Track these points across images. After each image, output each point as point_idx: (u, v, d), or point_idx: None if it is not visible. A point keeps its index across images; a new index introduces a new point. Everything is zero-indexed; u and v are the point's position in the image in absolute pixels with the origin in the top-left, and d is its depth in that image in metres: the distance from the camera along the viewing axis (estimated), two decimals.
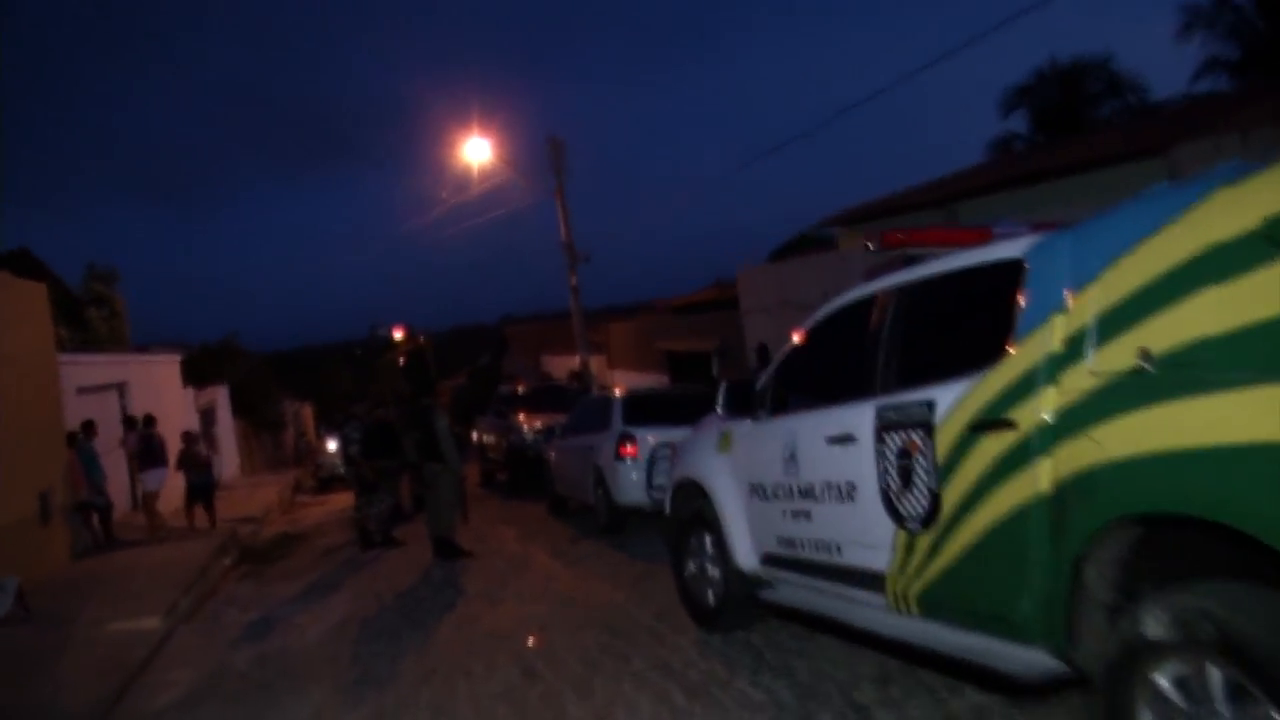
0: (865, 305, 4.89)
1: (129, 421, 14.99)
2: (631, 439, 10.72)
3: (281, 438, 41.51)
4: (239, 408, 31.56)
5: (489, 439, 18.66)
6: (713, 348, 18.89)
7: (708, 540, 6.25)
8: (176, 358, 21.88)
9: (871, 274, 5.09)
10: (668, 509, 6.98)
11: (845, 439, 4.67)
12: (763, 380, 5.80)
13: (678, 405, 11.52)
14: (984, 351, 3.86)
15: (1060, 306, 3.53)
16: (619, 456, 10.70)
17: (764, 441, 5.56)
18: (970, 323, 4.20)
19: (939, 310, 4.42)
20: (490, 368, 44.86)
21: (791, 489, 5.19)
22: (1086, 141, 17.55)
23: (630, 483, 10.64)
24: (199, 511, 15.16)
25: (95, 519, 13.94)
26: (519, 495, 16.42)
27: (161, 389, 19.90)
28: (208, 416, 26.25)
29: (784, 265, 16.42)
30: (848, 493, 4.67)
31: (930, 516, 4.04)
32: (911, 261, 4.86)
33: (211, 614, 9.66)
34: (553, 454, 13.63)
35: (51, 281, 18.45)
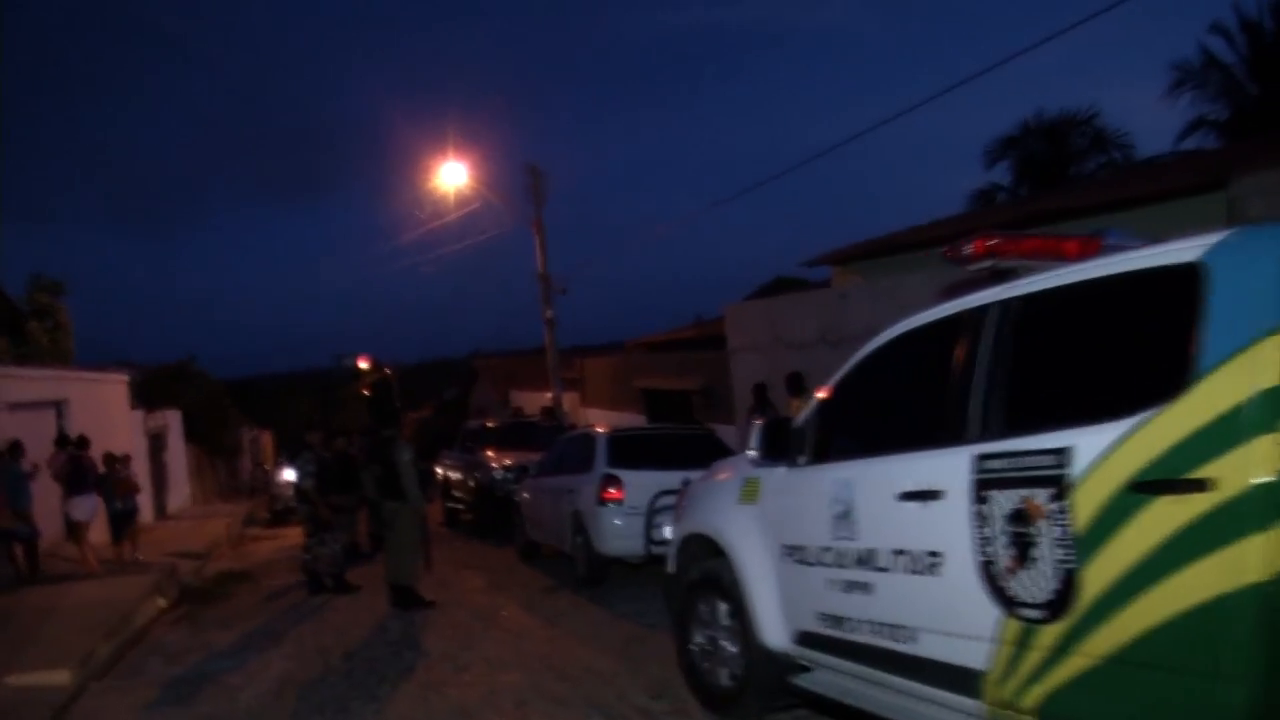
0: (949, 328, 3.91)
1: (60, 441, 13.66)
2: (617, 482, 9.66)
3: (238, 466, 39.95)
4: (193, 433, 30.11)
5: (455, 476, 17.50)
6: (696, 387, 17.89)
7: (722, 608, 5.21)
8: (123, 377, 20.56)
9: (952, 291, 4.10)
10: (671, 567, 5.93)
11: (926, 495, 3.67)
12: (801, 419, 4.80)
13: (666, 446, 10.53)
14: (1143, 386, 2.89)
15: (1274, 325, 2.57)
16: (602, 501, 9.64)
17: (805, 494, 4.54)
18: (1119, 348, 3.21)
19: (1069, 332, 3.43)
20: (458, 401, 43.60)
21: (843, 554, 4.17)
22: (1138, 175, 16.81)
23: (614, 530, 9.58)
24: (124, 544, 13.80)
25: (19, 550, 12.64)
26: (486, 537, 15.26)
27: (105, 409, 18.59)
28: (157, 441, 24.83)
29: (776, 301, 15.52)
30: (928, 564, 3.67)
31: (1061, 603, 3.04)
32: (1002, 277, 3.89)
33: (133, 666, 8.43)
34: (525, 495, 12.52)
35: None
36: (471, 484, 16.37)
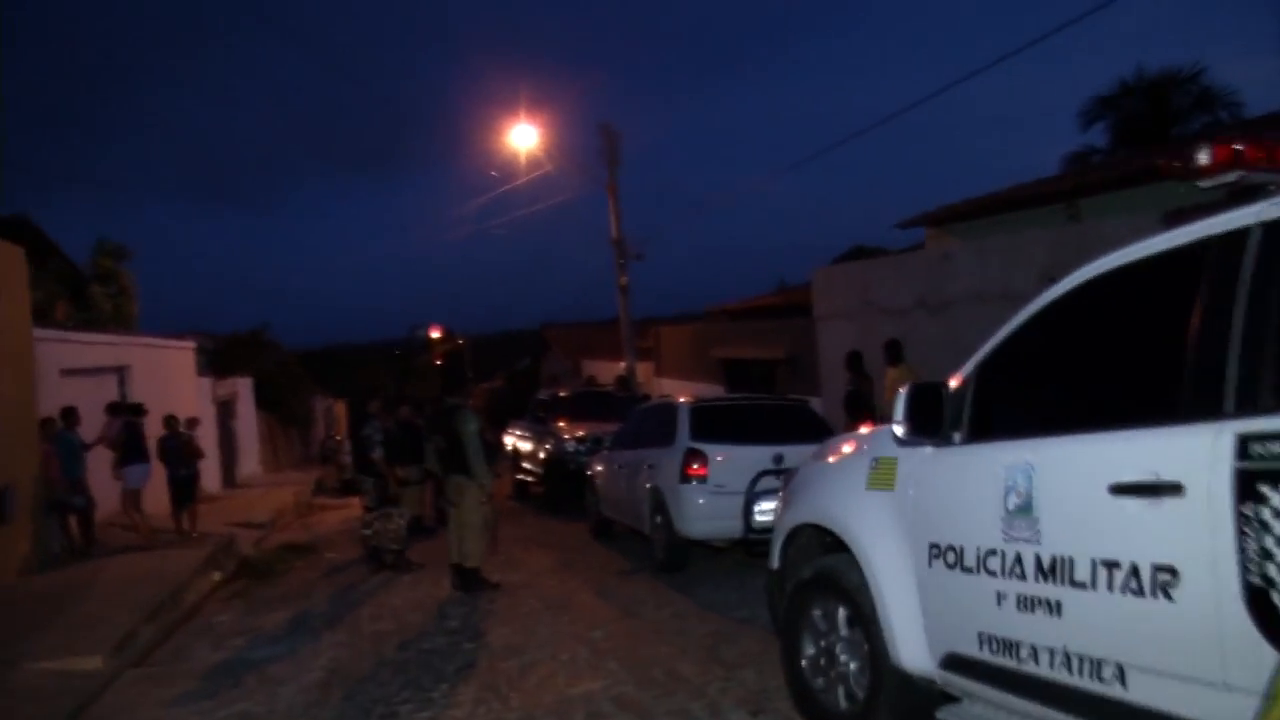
0: (1182, 262, 2.87)
1: (113, 407, 13.13)
2: (701, 457, 8.74)
3: (311, 435, 39.91)
4: (264, 401, 29.95)
5: (525, 447, 16.75)
6: (780, 356, 16.86)
7: (842, 615, 4.27)
8: (190, 344, 20.18)
9: (1181, 218, 3.05)
10: (775, 561, 5.00)
11: (1156, 489, 2.68)
12: (954, 387, 3.82)
13: (756, 418, 9.56)
14: None
15: None
16: (685, 478, 8.73)
17: (964, 481, 3.57)
18: None
19: None
20: (529, 371, 43.05)
21: (1020, 561, 3.19)
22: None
23: (697, 510, 8.67)
24: (183, 513, 13.25)
25: (73, 521, 12.18)
26: (556, 512, 14.49)
27: (170, 376, 18.20)
28: (226, 409, 24.59)
29: (869, 264, 14.42)
30: (1155, 582, 2.68)
31: None
32: (1248, 196, 2.85)
33: (175, 651, 7.79)
34: (599, 469, 11.67)
35: (52, 254, 16.82)
36: (542, 456, 15.60)
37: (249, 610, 9.24)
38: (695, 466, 8.71)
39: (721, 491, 8.68)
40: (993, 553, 3.32)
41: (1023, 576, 3.17)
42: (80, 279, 18.65)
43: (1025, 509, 3.17)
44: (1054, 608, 3.06)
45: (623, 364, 24.38)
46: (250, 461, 26.83)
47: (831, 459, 4.70)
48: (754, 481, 7.79)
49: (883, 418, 11.93)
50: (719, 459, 8.73)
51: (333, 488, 25.82)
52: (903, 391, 3.81)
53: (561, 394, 17.76)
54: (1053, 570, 3.05)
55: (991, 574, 3.32)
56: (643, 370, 24.90)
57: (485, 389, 53.35)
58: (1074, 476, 3.01)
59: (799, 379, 16.56)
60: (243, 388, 26.81)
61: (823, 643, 4.43)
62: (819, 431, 9.38)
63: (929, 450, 3.78)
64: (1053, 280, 3.52)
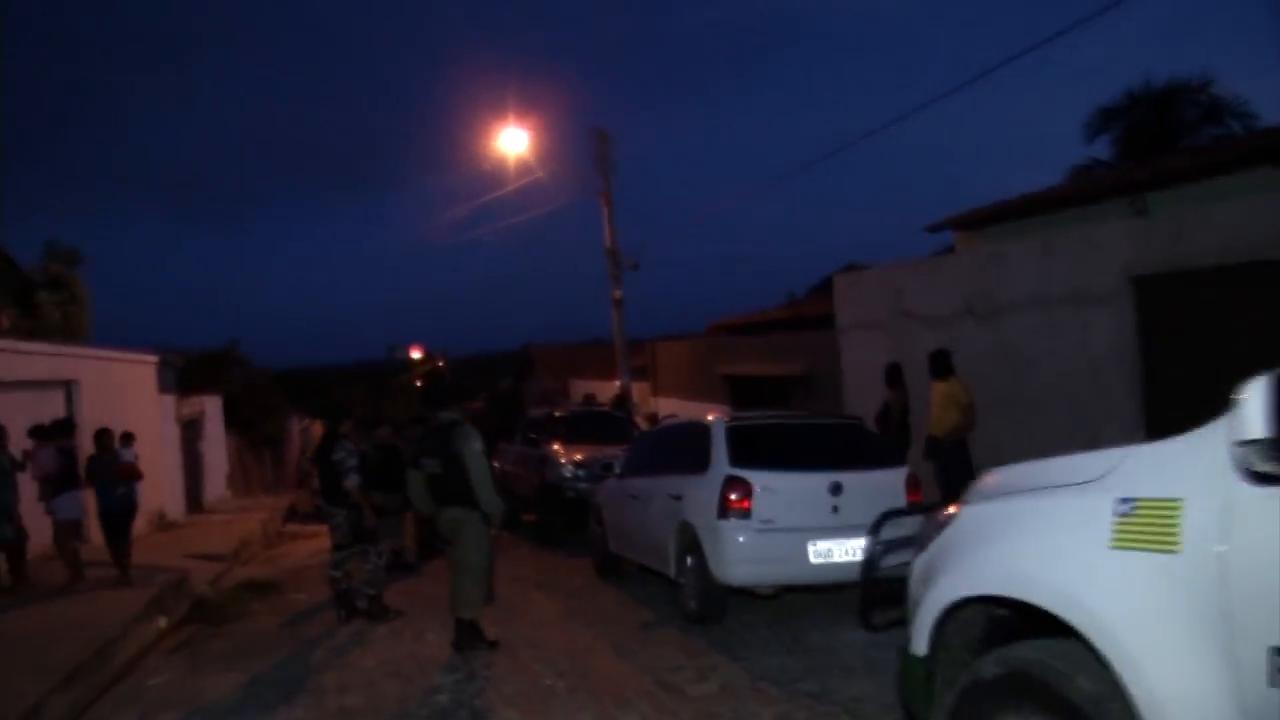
0: None
1: (38, 431, 11.19)
2: (744, 487, 7.22)
3: (285, 456, 38.09)
4: (234, 422, 28.24)
5: (514, 471, 15.18)
6: (797, 372, 15.38)
7: None
8: (152, 358, 18.48)
9: None
10: (921, 646, 3.46)
11: None
12: None
13: (807, 440, 8.06)
14: None
15: None
16: (725, 512, 7.20)
17: None
18: None
19: None
20: (512, 391, 41.34)
21: None
22: None
23: (741, 551, 7.14)
24: (120, 546, 10.93)
25: (1, 557, 10.54)
26: (551, 544, 12.94)
27: (126, 392, 16.50)
28: (192, 429, 22.86)
29: (904, 269, 12.97)
30: None
31: None
32: None
33: None
34: (606, 498, 10.12)
35: None
36: (536, 482, 14.03)
37: (193, 669, 7.63)
38: (737, 498, 7.18)
39: (770, 529, 7.17)
40: None
41: None
42: (28, 284, 16.98)
43: None
44: None
45: (616, 383, 22.88)
46: (218, 485, 25.09)
47: (1023, 499, 3.17)
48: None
49: (931, 439, 10.53)
50: (765, 489, 7.21)
51: (306, 513, 24.10)
52: (1257, 390, 2.28)
53: (557, 414, 16.18)
54: None
55: None
56: (638, 390, 23.38)
57: (467, 410, 51.83)
58: None
59: (816, 397, 15.08)
60: (210, 406, 25.09)
61: None
62: (880, 455, 7.89)
63: (1258, 493, 2.27)
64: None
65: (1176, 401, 9.06)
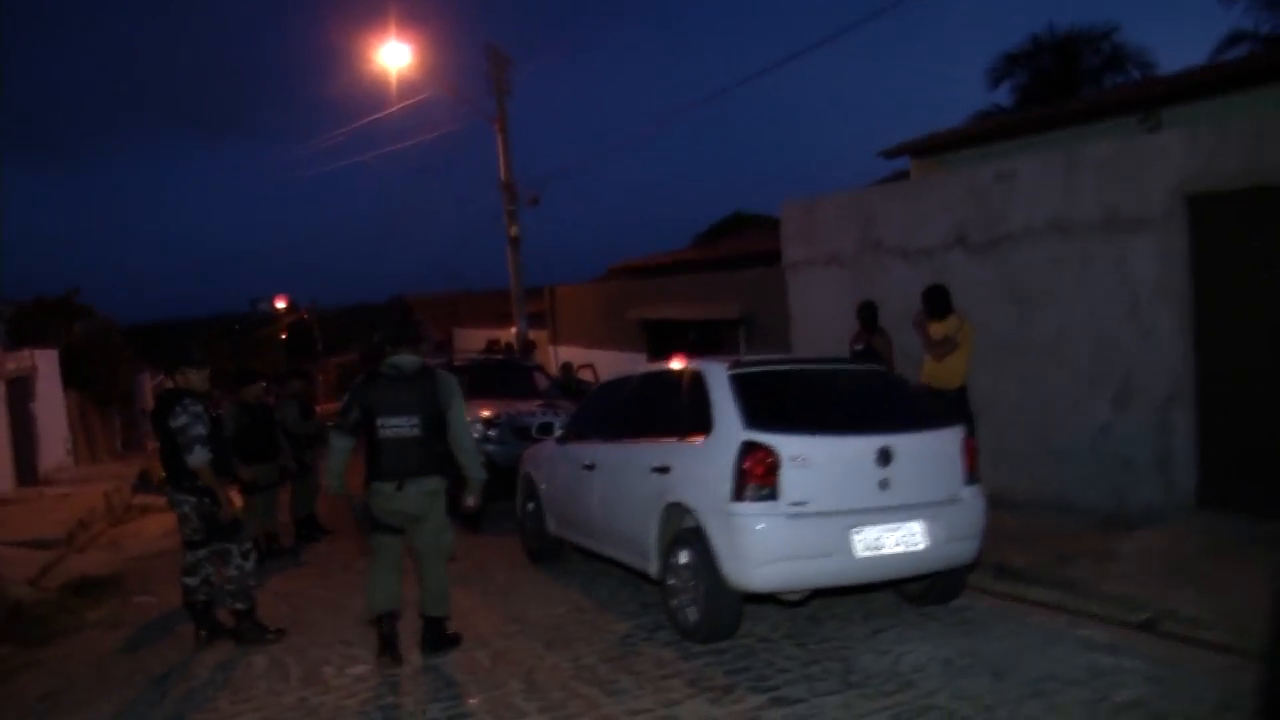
0: None
1: None
2: (768, 458, 5.28)
3: (136, 417, 34.52)
4: (75, 379, 24.92)
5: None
6: (734, 315, 13.50)
7: None
8: None
9: None
10: None
11: None
12: None
13: (838, 394, 6.15)
14: None
15: None
16: (742, 490, 5.25)
17: None
18: None
19: None
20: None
21: None
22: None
23: (767, 545, 5.22)
24: None
25: None
26: (458, 519, 10.81)
27: None
28: (20, 388, 19.72)
29: (876, 193, 11.22)
30: None
31: None
32: None
33: None
34: (541, 468, 8.06)
35: None
36: None
37: None
38: (759, 472, 5.24)
39: (803, 513, 5.27)
40: None
41: None
42: None
43: None
44: None
45: (513, 330, 20.71)
46: (56, 452, 21.91)
47: None
48: None
49: (961, 391, 8.83)
50: (796, 459, 5.29)
51: (160, 481, 21.19)
52: None
53: (455, 364, 13.94)
54: None
55: None
56: (535, 338, 21.24)
57: (337, 363, 48.50)
58: None
59: (755, 344, 13.27)
60: (44, 361, 21.82)
61: None
62: (928, 411, 6.08)
63: None
64: None
65: (1238, 342, 7.53)
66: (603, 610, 6.57)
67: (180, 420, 6.14)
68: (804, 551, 5.24)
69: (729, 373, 5.77)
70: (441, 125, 21.13)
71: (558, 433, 7.80)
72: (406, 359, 5.90)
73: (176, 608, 7.23)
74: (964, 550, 5.77)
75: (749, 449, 5.28)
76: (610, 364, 16.68)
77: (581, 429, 7.54)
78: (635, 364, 16.61)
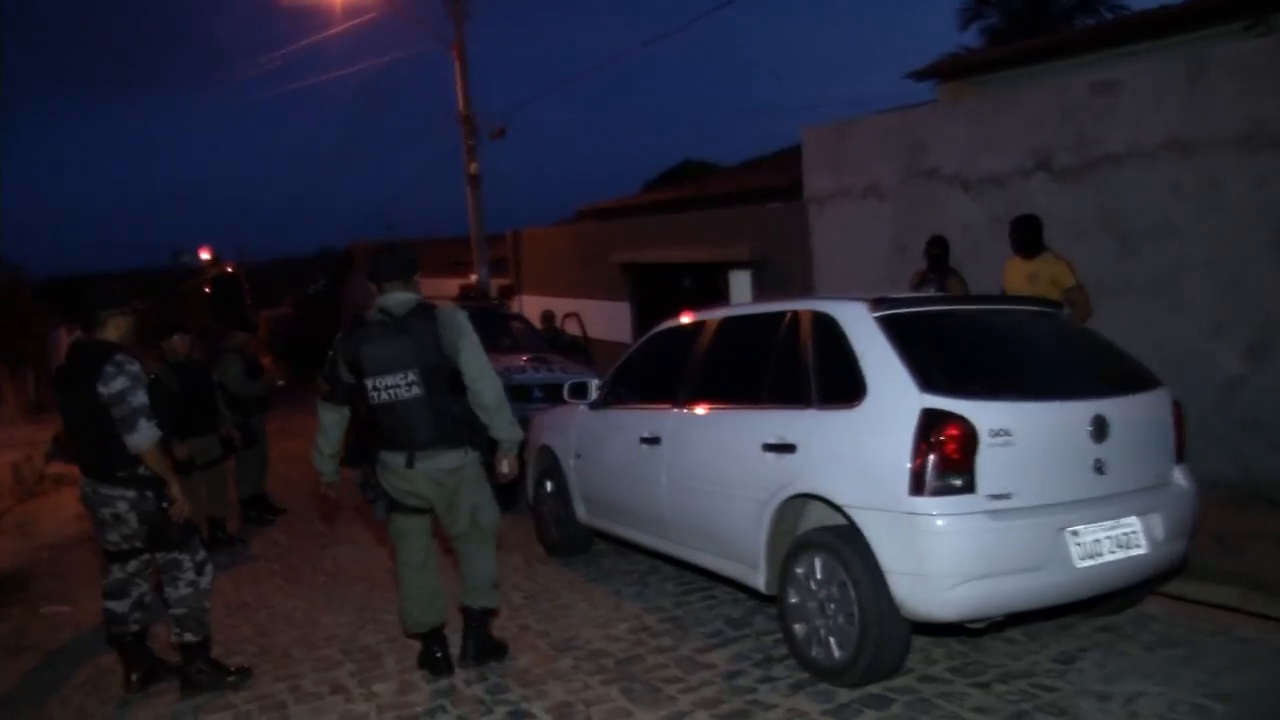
0: None
1: None
2: (965, 432, 3.70)
3: (49, 376, 31.90)
4: None
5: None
6: (745, 258, 11.86)
7: None
8: None
9: None
10: None
11: None
12: None
13: (1019, 344, 4.56)
14: None
15: None
16: (926, 479, 3.67)
17: None
18: None
19: None
20: (327, 293, 36.20)
21: None
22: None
23: (964, 556, 3.66)
24: None
25: None
26: None
27: None
28: None
29: (929, 113, 9.65)
30: None
31: None
32: None
33: None
34: (568, 438, 6.38)
35: None
36: None
37: None
38: (951, 454, 3.67)
39: (1008, 509, 3.72)
40: None
41: None
42: None
43: None
44: None
45: (473, 277, 18.84)
46: None
47: None
48: None
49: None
50: (998, 434, 3.72)
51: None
52: None
53: None
54: None
55: None
56: (496, 288, 19.40)
57: (269, 317, 45.90)
58: None
59: (767, 291, 11.70)
60: None
61: None
62: (1129, 368, 4.54)
63: None
64: None
65: None
66: (678, 631, 4.96)
67: (116, 385, 4.29)
68: (1010, 564, 3.70)
69: (875, 314, 4.16)
70: (391, 53, 18.98)
71: (591, 397, 6.10)
72: (397, 297, 4.38)
73: (98, 622, 5.45)
74: (1177, 551, 4.30)
75: (933, 420, 3.70)
76: (595, 314, 14.99)
77: (629, 390, 5.88)
78: (622, 313, 15.06)
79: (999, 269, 7.37)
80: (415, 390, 4.24)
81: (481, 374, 4.29)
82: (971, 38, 26.03)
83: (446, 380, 4.27)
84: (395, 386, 4.25)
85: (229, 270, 54.22)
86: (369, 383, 4.28)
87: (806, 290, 10.54)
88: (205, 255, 53.64)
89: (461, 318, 4.37)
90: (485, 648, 4.64)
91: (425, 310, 4.33)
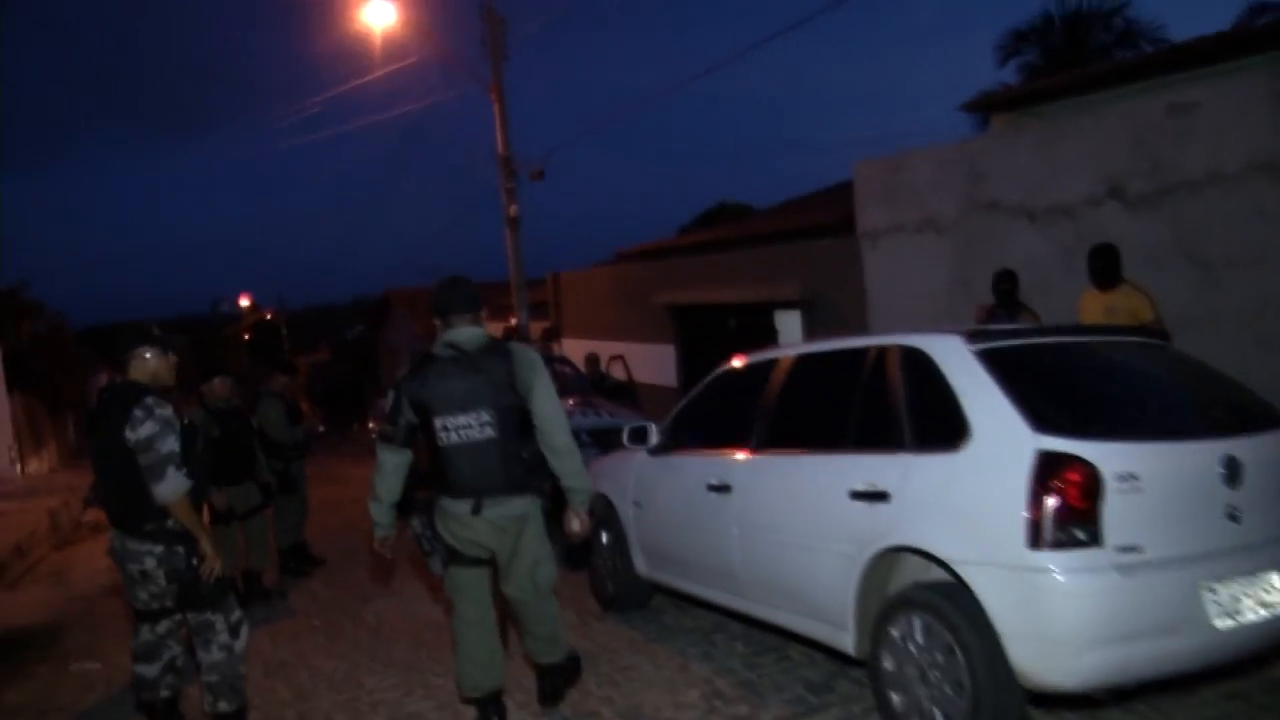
0: None
1: None
2: (1087, 478, 3.29)
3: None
4: (22, 380, 22.59)
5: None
6: (795, 298, 11.51)
7: None
8: None
9: None
10: None
11: None
12: None
13: (1133, 380, 4.16)
14: None
15: None
16: (1046, 530, 3.27)
17: None
18: None
19: None
20: (364, 340, 36.21)
21: None
22: None
23: (1091, 616, 3.24)
24: None
25: None
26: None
27: None
28: None
29: (988, 141, 9.32)
30: None
31: None
32: None
33: None
34: (621, 488, 6.02)
35: None
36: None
37: None
38: (1074, 502, 3.26)
39: (1139, 564, 3.30)
40: None
41: None
42: None
43: None
44: None
45: (513, 320, 18.61)
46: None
47: None
48: None
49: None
50: (1124, 478, 3.32)
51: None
52: None
53: None
54: None
55: None
56: (535, 330, 19.16)
57: (307, 362, 46.06)
58: None
59: (818, 330, 11.33)
60: None
61: None
62: (1260, 403, 4.11)
63: None
64: None
65: None
66: (755, 698, 4.53)
67: (144, 430, 3.99)
68: (1144, 626, 3.28)
69: (972, 347, 3.78)
70: (429, 96, 19.00)
71: (652, 443, 5.74)
72: (468, 331, 4.06)
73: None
74: None
75: (1051, 464, 3.30)
76: (639, 357, 14.66)
77: (692, 435, 5.51)
78: (667, 355, 14.73)
79: (1068, 303, 6.99)
80: (489, 431, 3.93)
81: (555, 416, 4.01)
82: (1009, 74, 25.77)
83: (517, 422, 3.97)
84: (468, 427, 3.93)
85: (268, 317, 54.62)
86: (438, 422, 3.97)
87: (861, 328, 10.17)
88: (245, 302, 54.14)
89: (535, 357, 4.10)
90: (565, 680, 4.52)
91: (499, 347, 4.03)
